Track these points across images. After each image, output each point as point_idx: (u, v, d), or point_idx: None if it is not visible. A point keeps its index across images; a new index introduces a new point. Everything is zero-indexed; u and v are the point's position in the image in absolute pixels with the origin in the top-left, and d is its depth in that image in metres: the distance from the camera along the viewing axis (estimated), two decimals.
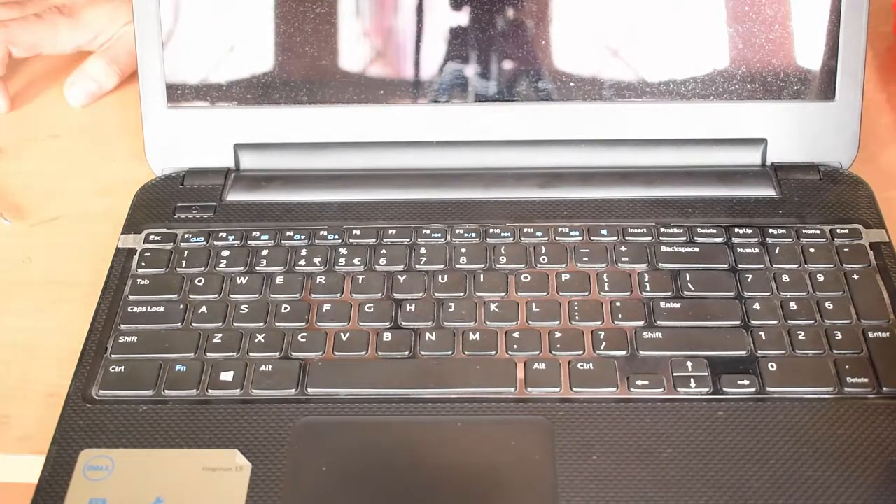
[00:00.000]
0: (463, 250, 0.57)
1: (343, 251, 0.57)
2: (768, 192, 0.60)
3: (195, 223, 0.59)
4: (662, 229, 0.57)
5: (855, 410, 0.48)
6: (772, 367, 0.50)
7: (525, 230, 0.58)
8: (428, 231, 0.58)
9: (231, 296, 0.55)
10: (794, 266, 0.55)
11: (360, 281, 0.55)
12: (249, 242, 0.58)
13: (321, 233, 0.58)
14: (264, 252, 0.57)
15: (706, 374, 0.50)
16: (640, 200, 0.60)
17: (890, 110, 0.68)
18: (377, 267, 0.56)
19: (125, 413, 0.49)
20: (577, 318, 0.53)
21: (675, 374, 0.50)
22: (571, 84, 0.61)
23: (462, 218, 0.59)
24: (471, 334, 0.52)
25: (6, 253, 0.60)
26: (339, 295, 0.55)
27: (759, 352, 0.51)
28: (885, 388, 0.49)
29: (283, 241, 0.58)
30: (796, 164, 0.61)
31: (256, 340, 0.52)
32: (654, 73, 0.61)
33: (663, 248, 0.56)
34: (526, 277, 0.55)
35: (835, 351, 0.51)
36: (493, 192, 0.60)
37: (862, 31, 0.59)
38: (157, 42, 0.60)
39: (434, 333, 0.52)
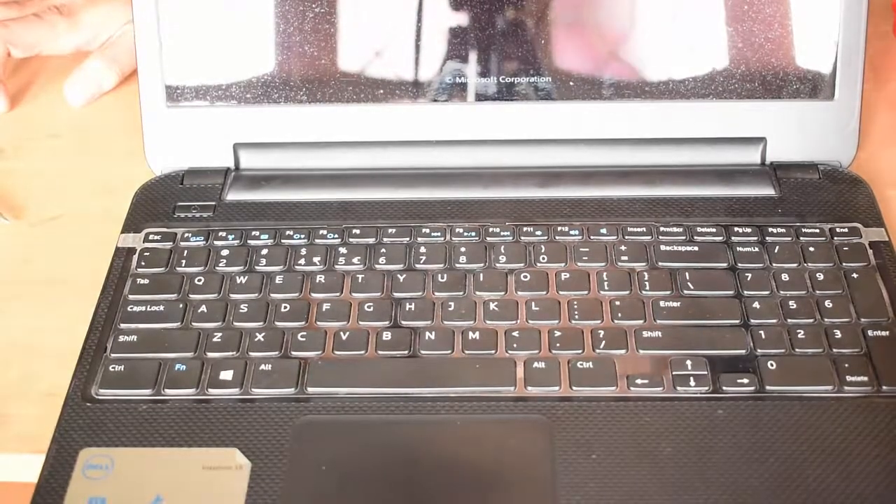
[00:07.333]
0: (462, 249, 0.57)
1: (343, 250, 0.57)
2: (768, 191, 0.60)
3: (195, 222, 0.59)
4: (662, 228, 0.57)
5: (854, 409, 0.48)
6: (771, 365, 0.50)
7: (524, 229, 0.58)
8: (427, 230, 0.58)
9: (231, 295, 0.55)
10: (794, 265, 0.55)
11: (360, 280, 0.55)
12: (249, 242, 0.58)
13: (321, 232, 0.58)
14: (264, 251, 0.57)
15: (706, 372, 0.50)
16: (639, 199, 0.60)
17: (889, 110, 0.68)
18: (377, 266, 0.56)
19: (125, 412, 0.49)
20: (576, 316, 0.53)
21: (674, 373, 0.50)
22: (571, 83, 0.61)
23: (461, 217, 0.59)
24: (470, 333, 0.52)
25: (6, 253, 0.60)
26: (338, 294, 0.55)
27: (759, 350, 0.51)
28: (884, 387, 0.49)
29: (282, 241, 0.58)
30: (796, 164, 0.61)
31: (256, 340, 0.52)
32: (653, 72, 0.61)
33: (663, 247, 0.56)
34: (525, 276, 0.55)
35: (834, 350, 0.51)
36: (493, 192, 0.60)
37: (861, 31, 0.59)
38: (157, 42, 0.60)
39: (433, 332, 0.52)
